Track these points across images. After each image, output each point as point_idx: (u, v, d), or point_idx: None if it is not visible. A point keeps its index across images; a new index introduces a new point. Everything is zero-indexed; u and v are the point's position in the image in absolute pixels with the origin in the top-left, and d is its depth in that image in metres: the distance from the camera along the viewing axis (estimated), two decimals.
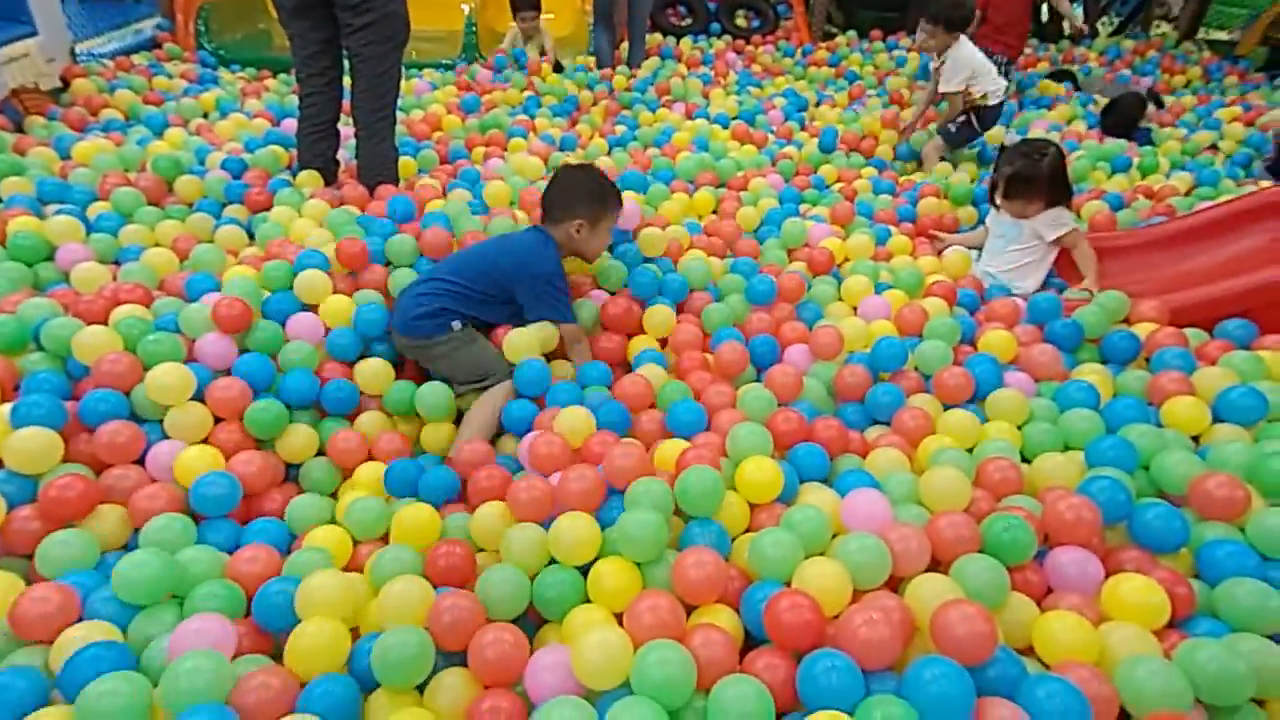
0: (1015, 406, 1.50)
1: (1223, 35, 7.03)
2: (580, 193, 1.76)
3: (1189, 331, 1.71)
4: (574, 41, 4.76)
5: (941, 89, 3.09)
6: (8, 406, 1.33)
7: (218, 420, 1.46)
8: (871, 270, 2.03)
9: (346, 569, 1.23)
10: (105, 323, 1.58)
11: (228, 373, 1.53)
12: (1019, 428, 1.49)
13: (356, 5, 2.12)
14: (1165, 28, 6.78)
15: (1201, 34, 6.11)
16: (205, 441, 1.42)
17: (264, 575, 1.15)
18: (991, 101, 3.06)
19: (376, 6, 2.13)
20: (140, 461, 1.37)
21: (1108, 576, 1.10)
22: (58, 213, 1.99)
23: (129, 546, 1.26)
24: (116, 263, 1.90)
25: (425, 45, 4.20)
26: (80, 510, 1.24)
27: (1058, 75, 4.54)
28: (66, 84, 3.19)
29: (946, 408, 1.54)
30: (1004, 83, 3.15)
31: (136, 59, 3.86)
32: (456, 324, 1.67)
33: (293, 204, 2.18)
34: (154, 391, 1.42)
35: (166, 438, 1.41)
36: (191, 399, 1.45)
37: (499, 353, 1.68)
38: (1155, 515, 1.18)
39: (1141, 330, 1.72)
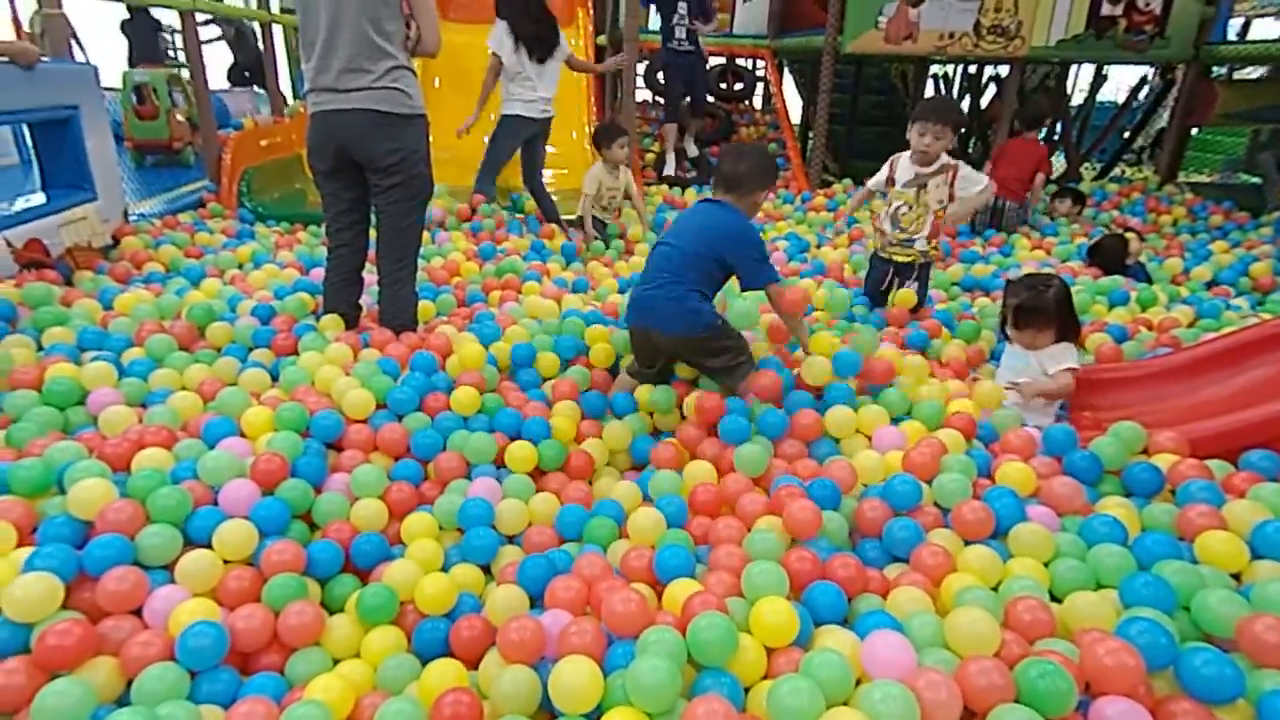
0: (1040, 542, 1.46)
1: (1202, 178, 7.42)
2: (760, 167, 2.09)
3: (1213, 463, 1.68)
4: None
5: (978, 189, 2.75)
6: (22, 553, 1.33)
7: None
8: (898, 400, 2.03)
9: None
10: (129, 467, 1.61)
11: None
12: (1045, 565, 1.43)
13: (386, 168, 2.31)
14: (1147, 171, 7.20)
15: (1182, 177, 6.46)
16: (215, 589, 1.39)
17: None
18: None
19: (404, 169, 2.32)
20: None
21: None
22: (94, 359, 2.08)
23: (122, 701, 1.21)
24: (144, 405, 1.96)
25: (450, 198, 4.49)
26: (76, 659, 1.20)
27: (1066, 192, 4.80)
28: (117, 241, 3.43)
29: (967, 543, 1.49)
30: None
31: (183, 217, 4.15)
32: (718, 319, 2.01)
33: (316, 348, 2.26)
34: (147, 551, 1.41)
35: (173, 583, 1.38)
36: (202, 544, 1.44)
37: None
38: (1204, 662, 1.11)
39: (1162, 462, 1.70)
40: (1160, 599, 1.25)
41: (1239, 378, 2.09)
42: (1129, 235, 3.85)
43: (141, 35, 7.35)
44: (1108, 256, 3.66)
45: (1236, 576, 1.38)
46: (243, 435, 1.82)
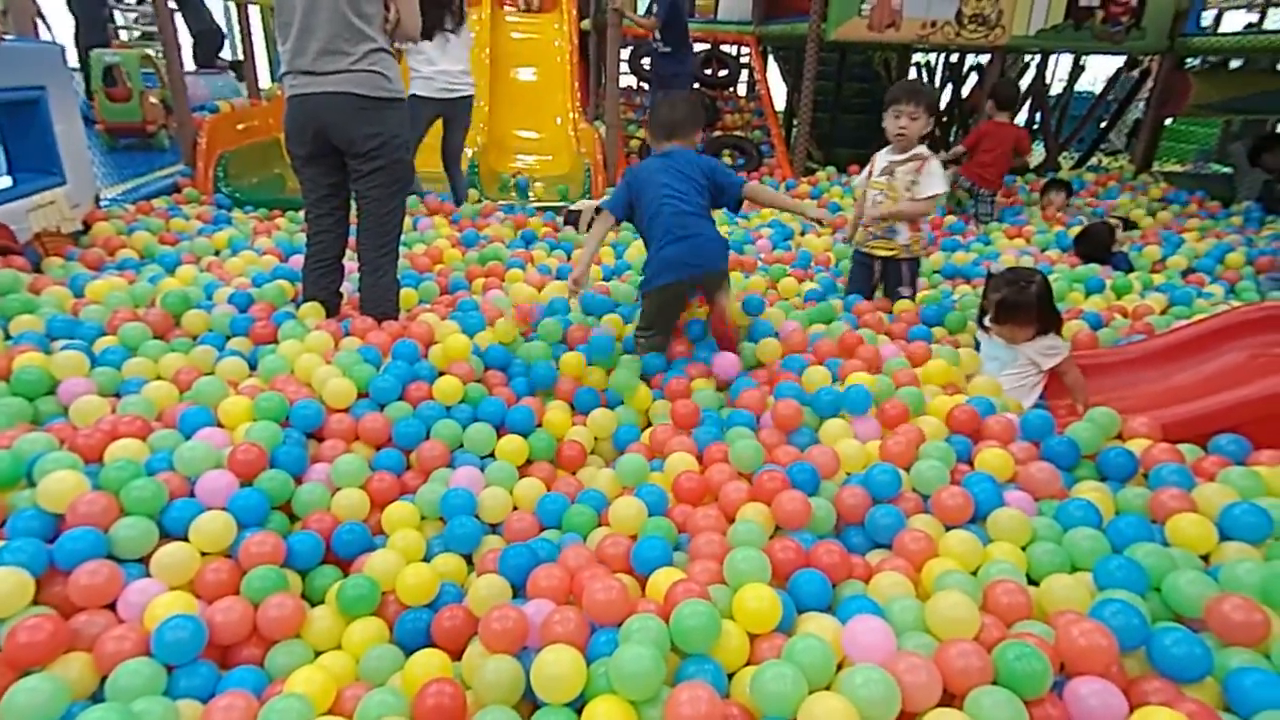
0: (1018, 526, 1.48)
1: (1176, 167, 7.54)
2: (692, 112, 2.40)
3: (1184, 447, 1.72)
4: (570, 180, 5.06)
5: (932, 192, 2.66)
6: None
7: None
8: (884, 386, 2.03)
9: (331, 712, 1.16)
10: (101, 458, 1.58)
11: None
12: (1022, 548, 1.46)
13: (366, 153, 2.27)
14: (1123, 160, 7.29)
15: (1156, 166, 6.55)
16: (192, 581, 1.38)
17: None
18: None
19: (385, 154, 2.29)
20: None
21: (1132, 709, 1.05)
22: (64, 348, 2.03)
23: (97, 697, 1.19)
24: (118, 395, 1.92)
25: (432, 186, 4.45)
26: (48, 654, 1.18)
27: (1054, 185, 4.83)
28: (88, 227, 3.35)
29: (947, 528, 1.51)
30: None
31: (157, 203, 4.07)
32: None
33: (296, 335, 2.23)
34: (122, 544, 1.38)
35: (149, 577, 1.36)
36: (178, 537, 1.42)
37: None
38: (1175, 641, 1.14)
39: (1135, 446, 1.73)
40: (1133, 581, 1.28)
41: (1209, 364, 2.14)
42: (1114, 223, 3.90)
43: (89, 13, 7.07)
44: (1094, 244, 3.69)
45: (1205, 558, 1.41)
46: (220, 425, 1.79)
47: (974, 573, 1.38)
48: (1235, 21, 9.84)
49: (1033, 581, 1.37)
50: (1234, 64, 7.01)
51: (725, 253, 2.28)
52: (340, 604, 1.36)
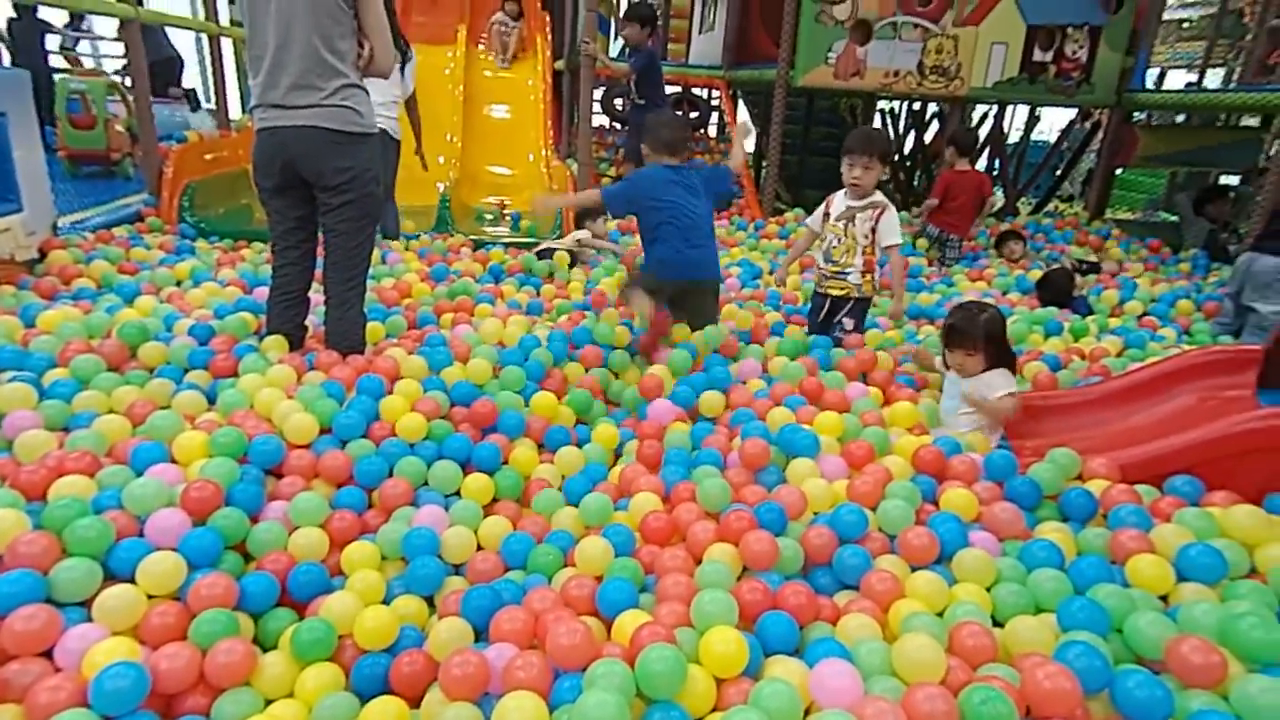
0: (982, 567, 1.49)
1: (1127, 215, 7.86)
2: (685, 132, 2.78)
3: (1141, 488, 1.76)
4: (542, 217, 5.09)
5: (892, 242, 2.72)
6: None
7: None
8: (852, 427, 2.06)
9: None
10: (44, 496, 1.52)
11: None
12: (987, 589, 1.46)
13: (336, 186, 2.26)
14: (1077, 207, 7.58)
15: (1109, 213, 6.83)
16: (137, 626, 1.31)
17: None
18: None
19: (355, 188, 2.28)
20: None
21: None
22: (11, 380, 1.96)
23: None
24: (67, 430, 1.85)
25: (403, 219, 4.44)
26: None
27: (1008, 236, 4.98)
28: (44, 255, 3.27)
29: (914, 569, 1.52)
30: None
31: (118, 231, 3.99)
32: None
33: (257, 369, 2.18)
34: (62, 587, 1.33)
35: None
36: (125, 579, 1.36)
37: None
38: (1137, 684, 1.15)
39: (1095, 487, 1.76)
40: (1095, 622, 1.29)
41: (1163, 406, 2.20)
42: (1073, 265, 4.02)
43: (27, 37, 6.97)
44: (1055, 290, 3.80)
45: (1165, 598, 1.44)
46: (174, 462, 1.73)
47: (940, 614, 1.38)
48: (1178, 80, 10.42)
49: (998, 623, 1.38)
50: (1179, 119, 7.39)
51: (718, 266, 2.76)
52: (294, 649, 1.31)
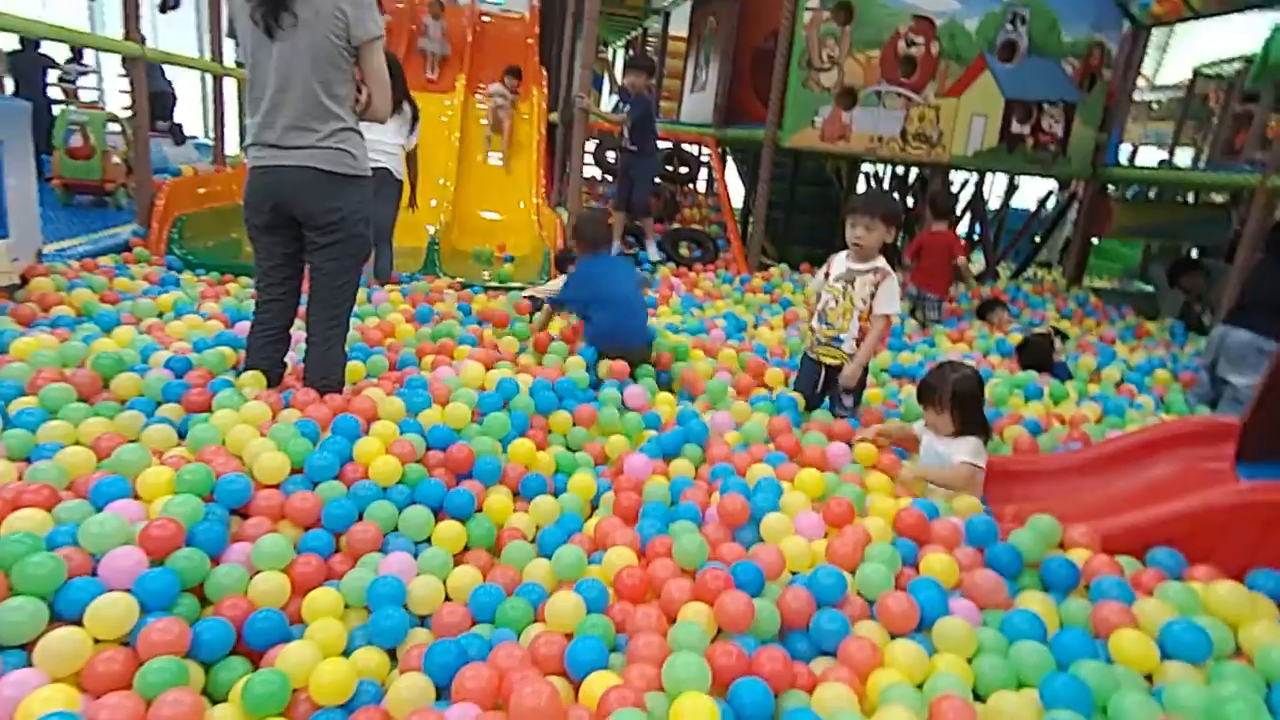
0: (964, 637, 1.46)
1: (1103, 283, 8.04)
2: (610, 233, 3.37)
3: (1122, 559, 1.74)
4: (530, 261, 5.13)
5: (886, 311, 2.66)
6: None
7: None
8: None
9: None
10: None
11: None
12: (968, 660, 1.43)
13: (324, 226, 2.26)
14: (1055, 273, 7.76)
15: (1086, 281, 6.99)
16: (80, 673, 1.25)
17: None
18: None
19: (344, 229, 2.28)
20: None
21: None
22: None
23: None
24: (28, 461, 1.80)
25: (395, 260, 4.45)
26: None
27: (991, 305, 5.04)
28: (25, 281, 3.23)
29: (893, 636, 1.48)
30: None
31: (104, 260, 3.96)
32: None
33: (232, 405, 2.14)
34: (3, 630, 1.27)
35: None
36: (72, 621, 1.30)
37: None
38: None
39: (1076, 556, 1.74)
40: (1079, 700, 1.26)
41: (1143, 475, 2.20)
42: (1052, 332, 4.07)
43: (30, 69, 7.08)
44: (1035, 355, 3.81)
45: (1149, 676, 1.41)
46: (137, 498, 1.68)
47: (920, 685, 1.34)
48: (1149, 157, 10.83)
49: (978, 696, 1.34)
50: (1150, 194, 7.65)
51: (647, 331, 3.17)
52: (245, 702, 1.25)
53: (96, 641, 1.30)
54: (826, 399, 2.85)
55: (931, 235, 4.89)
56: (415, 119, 4.15)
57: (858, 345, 2.70)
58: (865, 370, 2.78)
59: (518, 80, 6.41)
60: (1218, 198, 7.07)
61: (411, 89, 4.23)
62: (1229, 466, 2.05)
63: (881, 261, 2.70)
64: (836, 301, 2.74)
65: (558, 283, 4.23)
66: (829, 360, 2.78)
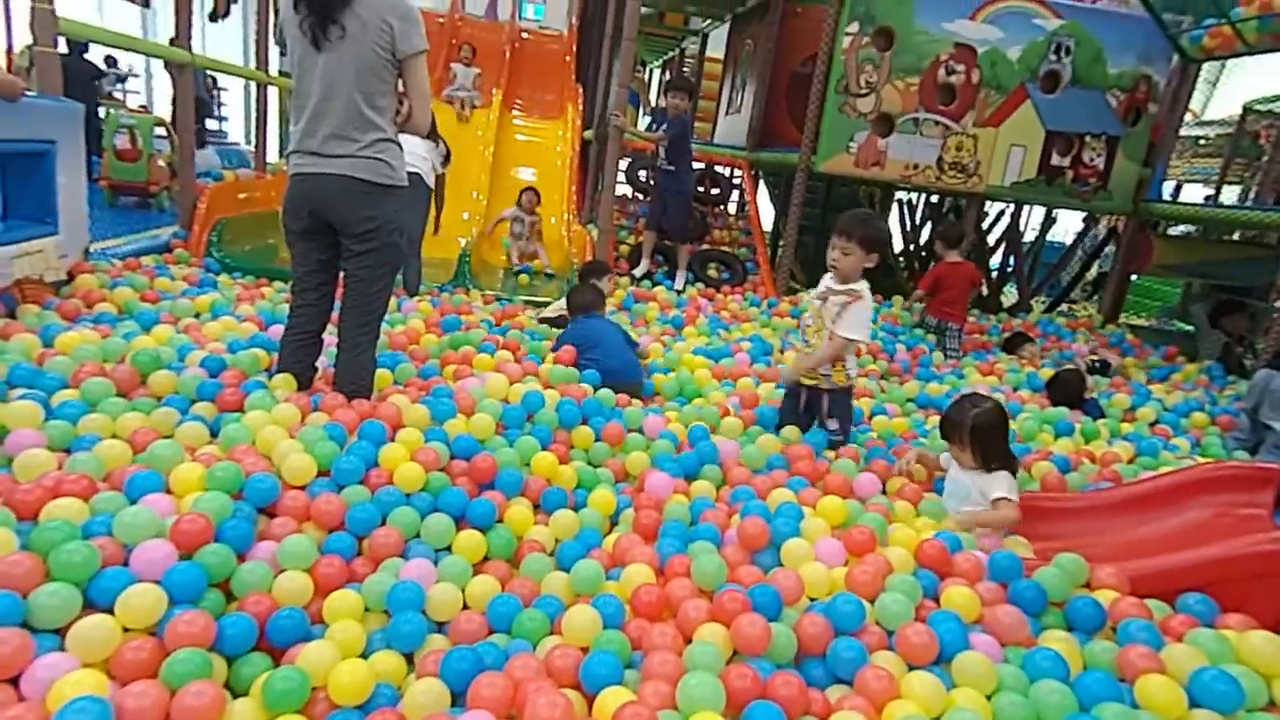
0: (983, 673, 1.43)
1: (1140, 321, 7.89)
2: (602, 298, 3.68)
3: (1151, 603, 1.70)
4: (559, 278, 5.18)
5: (844, 334, 2.55)
6: None
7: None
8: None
9: None
10: (37, 516, 1.50)
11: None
12: (987, 697, 1.40)
13: (361, 234, 2.31)
14: (1091, 309, 7.63)
15: (1123, 318, 6.85)
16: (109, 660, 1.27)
17: None
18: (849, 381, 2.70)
19: (379, 237, 2.33)
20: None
21: None
22: (21, 397, 1.97)
23: None
24: (69, 452, 1.85)
25: (425, 270, 4.52)
26: None
27: (1017, 339, 4.98)
28: (71, 278, 3.33)
29: (911, 668, 1.46)
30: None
31: (145, 260, 4.07)
32: None
33: (263, 406, 2.19)
34: (39, 613, 1.30)
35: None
36: (104, 608, 1.33)
37: None
38: None
39: (1103, 597, 1.70)
40: None
41: (1175, 518, 2.15)
42: (1085, 364, 3.99)
43: (81, 74, 7.31)
44: (1066, 391, 3.73)
45: None
46: (169, 492, 1.72)
47: (936, 719, 1.32)
48: (1194, 193, 10.64)
49: None
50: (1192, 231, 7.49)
51: (638, 369, 3.34)
52: (265, 697, 1.27)
53: (125, 630, 1.33)
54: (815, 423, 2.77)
55: (949, 266, 4.87)
56: (447, 155, 4.39)
57: (832, 365, 2.63)
58: (849, 396, 2.73)
59: (536, 198, 5.59)
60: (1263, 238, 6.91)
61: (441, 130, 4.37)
62: (1267, 513, 1.99)
63: (860, 285, 2.59)
64: (813, 319, 2.69)
65: (562, 302, 4.30)
66: (807, 381, 2.72)
